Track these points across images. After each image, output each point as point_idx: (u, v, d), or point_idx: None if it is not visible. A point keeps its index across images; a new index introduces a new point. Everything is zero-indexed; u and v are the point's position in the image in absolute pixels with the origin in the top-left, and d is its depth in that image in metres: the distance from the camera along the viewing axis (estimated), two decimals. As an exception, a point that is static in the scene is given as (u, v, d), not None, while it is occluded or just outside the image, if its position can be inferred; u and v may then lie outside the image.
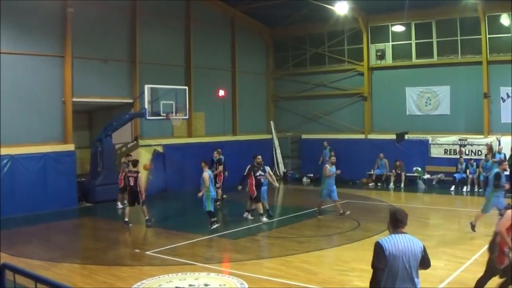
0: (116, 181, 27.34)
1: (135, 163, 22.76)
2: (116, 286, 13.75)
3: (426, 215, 24.69)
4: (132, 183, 22.00)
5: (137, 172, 22.13)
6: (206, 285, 13.58)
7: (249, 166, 23.33)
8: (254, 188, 22.74)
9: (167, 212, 27.79)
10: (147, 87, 27.58)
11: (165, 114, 28.03)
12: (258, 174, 22.95)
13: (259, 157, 23.68)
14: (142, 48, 30.71)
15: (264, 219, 22.67)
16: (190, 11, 33.75)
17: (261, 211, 22.88)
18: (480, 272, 14.55)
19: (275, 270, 15.21)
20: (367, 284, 13.77)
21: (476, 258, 16.12)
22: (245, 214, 23.43)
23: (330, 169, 23.57)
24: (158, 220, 24.02)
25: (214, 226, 20.81)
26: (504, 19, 31.95)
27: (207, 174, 21.13)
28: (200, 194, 21.13)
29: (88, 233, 22.49)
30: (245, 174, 23.27)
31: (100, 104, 29.85)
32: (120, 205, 25.91)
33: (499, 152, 30.42)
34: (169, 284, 13.63)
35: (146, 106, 27.45)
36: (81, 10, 27.28)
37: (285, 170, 38.95)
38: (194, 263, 15.81)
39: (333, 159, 24.56)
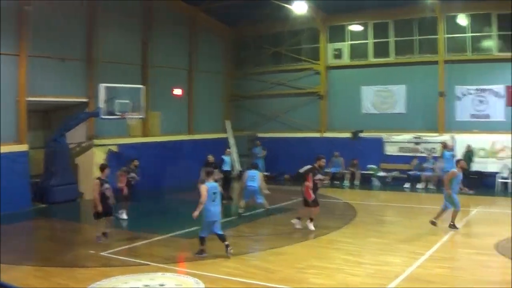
0: (71, 181, 27.19)
1: (102, 167, 19.47)
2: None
3: (381, 212, 24.91)
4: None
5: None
6: (161, 285, 13.49)
7: (310, 167, 21.22)
8: (311, 191, 20.41)
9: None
10: (102, 86, 27.26)
11: (120, 113, 27.78)
12: (317, 177, 20.79)
13: (323, 160, 21.81)
14: (99, 47, 30.34)
15: (312, 227, 20.42)
16: (149, 10, 33.51)
17: (314, 216, 20.68)
18: (436, 267, 14.78)
19: (233, 269, 15.16)
20: (325, 281, 13.99)
21: (431, 254, 16.35)
22: (294, 221, 20.91)
23: (459, 174, 20.64)
24: (114, 220, 23.89)
25: (202, 256, 16.53)
26: (461, 19, 32.48)
27: (205, 186, 16.41)
28: (195, 213, 16.31)
29: (44, 235, 22.02)
30: (302, 172, 21.50)
31: (55, 103, 29.42)
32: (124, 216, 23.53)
33: (448, 151, 30.75)
34: (125, 285, 13.50)
35: (101, 105, 27.18)
36: (37, 8, 26.84)
37: (241, 169, 38.85)
38: (151, 263, 15.68)
39: (463, 163, 21.56)
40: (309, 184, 20.35)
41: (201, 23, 37.93)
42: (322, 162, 21.42)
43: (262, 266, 15.52)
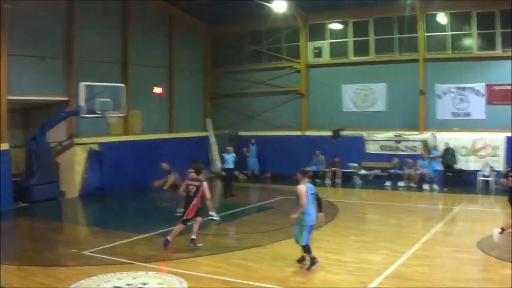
0: (53, 180, 27.13)
1: (199, 169, 18.23)
2: (54, 287, 13.52)
3: (363, 210, 24.98)
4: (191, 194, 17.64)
5: (200, 180, 17.68)
6: (144, 284, 13.46)
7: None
8: None
9: (104, 211, 27.48)
10: (82, 85, 27.07)
11: (101, 112, 27.62)
12: None
13: None
14: (79, 45, 30.13)
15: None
16: (128, 8, 33.36)
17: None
18: (418, 265, 14.88)
19: (215, 267, 15.17)
20: (306, 279, 14.06)
21: (413, 252, 16.42)
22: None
23: None
24: (95, 219, 23.77)
25: (313, 267, 14.71)
26: (441, 18, 32.87)
27: (303, 187, 14.94)
28: (293, 215, 14.89)
29: (25, 234, 21.83)
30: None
31: (35, 102, 29.23)
32: None
33: (435, 149, 31.14)
34: (107, 284, 13.46)
35: (82, 103, 27.02)
36: (17, 7, 26.68)
37: (221, 168, 38.83)
38: (133, 262, 15.62)
39: None
40: None
41: (181, 21, 37.75)
42: None
43: (243, 264, 15.50)
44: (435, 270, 14.82)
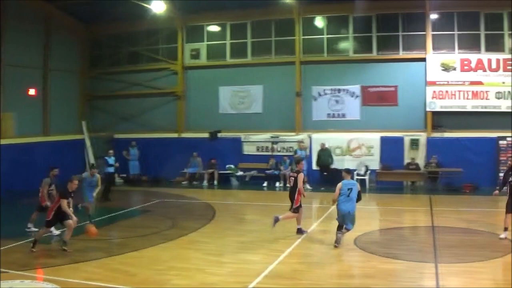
0: None
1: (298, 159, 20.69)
2: None
3: (241, 211, 25.08)
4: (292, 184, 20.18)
5: (298, 171, 19.41)
6: (19, 292, 13.13)
7: None
8: None
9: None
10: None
11: (-28, 115, 26.83)
12: None
13: None
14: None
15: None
16: (3, 6, 32.30)
17: None
18: (296, 263, 15.06)
19: (92, 273, 14.82)
20: (186, 281, 13.98)
21: (291, 251, 16.68)
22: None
23: None
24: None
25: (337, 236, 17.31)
26: (318, 21, 33.41)
27: (340, 183, 17.52)
28: (332, 205, 18.25)
29: None
30: None
31: None
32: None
33: (301, 149, 31.65)
34: (-19, 294, 13.09)
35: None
36: None
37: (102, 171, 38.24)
38: (7, 270, 15.06)
39: None
40: None
41: (57, 20, 36.97)
42: None
43: (122, 269, 15.26)
44: (313, 267, 15.05)
